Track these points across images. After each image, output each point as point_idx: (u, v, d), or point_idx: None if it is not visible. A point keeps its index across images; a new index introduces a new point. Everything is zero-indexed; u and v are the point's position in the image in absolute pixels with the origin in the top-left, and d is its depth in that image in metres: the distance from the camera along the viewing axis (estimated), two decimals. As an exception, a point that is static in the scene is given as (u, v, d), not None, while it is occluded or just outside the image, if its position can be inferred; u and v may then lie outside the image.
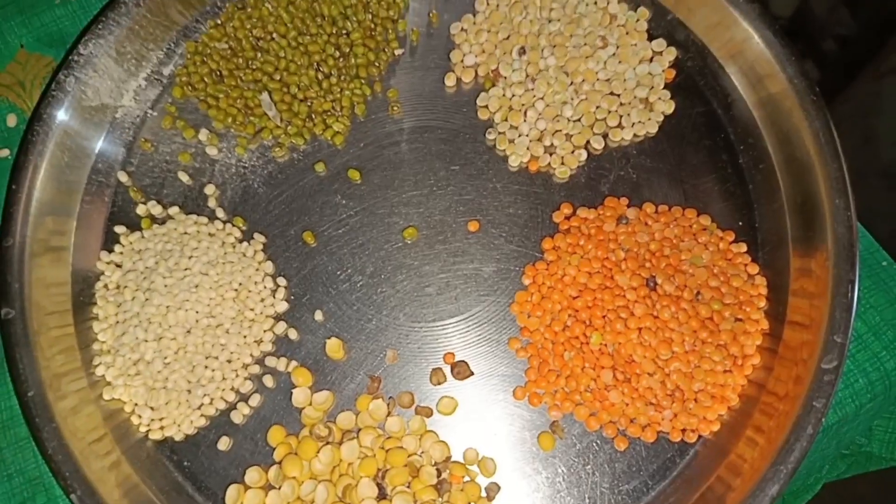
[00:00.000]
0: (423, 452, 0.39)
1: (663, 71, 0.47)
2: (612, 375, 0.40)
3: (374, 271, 0.44)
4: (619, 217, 0.43)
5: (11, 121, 0.49)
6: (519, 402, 0.41)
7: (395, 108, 0.47)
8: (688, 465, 0.40)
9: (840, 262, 0.39)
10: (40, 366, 0.39)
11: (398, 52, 0.49)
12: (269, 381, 0.41)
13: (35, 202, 0.43)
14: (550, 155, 0.45)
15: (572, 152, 0.45)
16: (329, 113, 0.47)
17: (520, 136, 0.46)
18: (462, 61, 0.48)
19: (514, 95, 0.46)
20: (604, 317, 0.41)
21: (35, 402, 0.38)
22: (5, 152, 0.48)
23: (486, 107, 0.47)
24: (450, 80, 0.48)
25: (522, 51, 0.47)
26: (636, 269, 0.41)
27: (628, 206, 0.44)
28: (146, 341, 0.41)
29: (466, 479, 0.39)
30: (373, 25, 0.48)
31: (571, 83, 0.45)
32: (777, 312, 0.41)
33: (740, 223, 0.44)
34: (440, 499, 0.38)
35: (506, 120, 0.46)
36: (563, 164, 0.45)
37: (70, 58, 0.44)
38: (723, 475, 0.39)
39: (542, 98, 0.46)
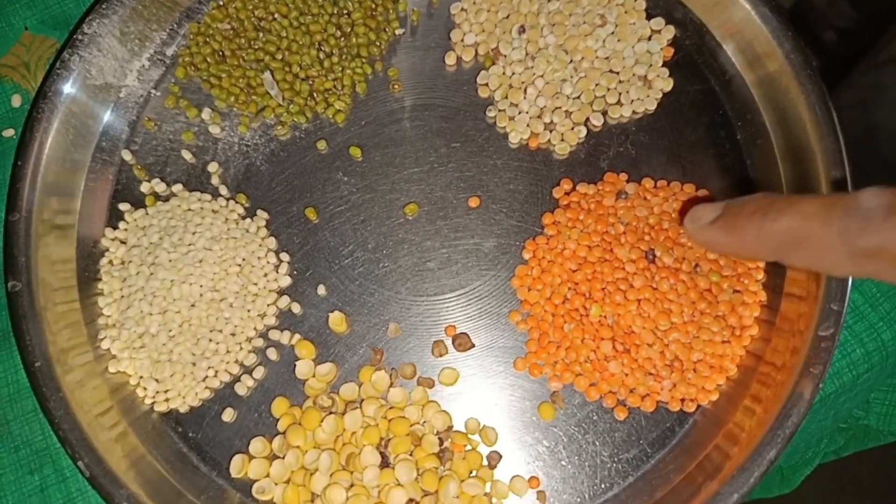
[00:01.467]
0: (425, 422, 0.40)
1: (661, 49, 0.47)
2: (611, 346, 0.41)
3: (376, 246, 0.44)
4: (619, 192, 0.44)
5: (16, 101, 0.49)
6: (519, 373, 0.41)
7: (396, 87, 0.48)
8: (686, 433, 0.40)
9: (836, 233, 0.39)
10: (47, 339, 0.40)
11: (399, 31, 0.49)
12: (272, 353, 0.42)
13: (40, 180, 0.43)
14: (550, 132, 0.46)
15: (572, 129, 0.46)
16: (330, 91, 0.47)
17: (520, 113, 0.46)
18: (462, 40, 0.48)
19: (513, 73, 0.47)
20: (603, 289, 0.41)
21: (42, 372, 0.38)
22: (10, 132, 0.49)
23: (486, 85, 0.47)
24: (450, 59, 0.48)
25: (522, 29, 0.47)
26: (635, 243, 0.42)
27: (627, 181, 0.44)
28: (151, 315, 0.41)
29: (468, 447, 0.39)
30: (373, 6, 0.49)
31: (571, 61, 0.46)
32: (774, 285, 0.42)
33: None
34: (442, 467, 0.38)
35: (506, 97, 0.47)
36: (562, 140, 0.46)
37: (75, 37, 0.45)
38: (720, 444, 0.39)
39: (541, 76, 0.46)
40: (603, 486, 0.39)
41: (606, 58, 0.46)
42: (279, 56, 0.47)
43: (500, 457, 0.39)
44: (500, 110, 0.47)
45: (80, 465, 0.37)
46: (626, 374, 0.40)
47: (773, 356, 0.40)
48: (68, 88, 0.45)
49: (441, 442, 0.39)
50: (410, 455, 0.38)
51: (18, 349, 0.39)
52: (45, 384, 0.38)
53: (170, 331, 0.41)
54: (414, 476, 0.37)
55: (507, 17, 0.48)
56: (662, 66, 0.47)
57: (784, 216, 0.30)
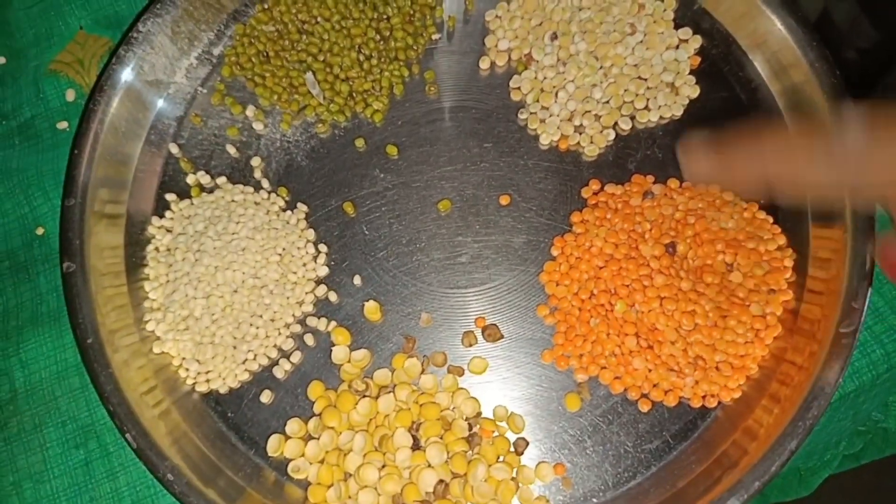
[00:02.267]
0: (454, 408, 0.41)
1: (689, 57, 0.49)
2: (635, 342, 0.42)
3: (410, 240, 0.46)
4: (645, 192, 0.45)
5: (70, 95, 0.52)
6: (546, 364, 0.43)
7: (432, 89, 0.50)
8: (708, 427, 0.41)
9: (858, 236, 0.41)
10: (97, 319, 0.42)
11: (435, 36, 0.51)
12: (309, 339, 0.44)
13: (94, 169, 0.45)
14: (580, 134, 0.48)
15: (601, 132, 0.47)
16: (369, 92, 0.49)
17: (550, 116, 0.48)
18: (496, 46, 0.50)
19: (545, 78, 0.48)
20: (628, 286, 0.43)
21: (93, 348, 0.40)
22: (64, 124, 0.51)
23: (519, 88, 0.49)
24: (484, 64, 0.50)
25: (554, 36, 0.49)
26: (658, 238, 0.43)
27: (654, 183, 0.46)
28: (195, 299, 0.43)
29: (496, 433, 0.41)
30: (412, 11, 0.51)
31: (601, 67, 0.48)
32: (797, 285, 0.43)
33: (761, 201, 0.45)
34: (471, 451, 0.40)
35: (537, 101, 0.48)
36: (592, 142, 0.47)
37: (130, 34, 0.47)
38: (739, 439, 0.40)
39: (572, 81, 0.48)
40: (626, 474, 0.40)
41: (635, 65, 0.48)
42: (321, 58, 0.50)
43: (527, 443, 0.41)
44: (531, 113, 0.48)
45: (127, 437, 0.38)
46: (650, 370, 0.42)
47: (794, 355, 0.41)
48: (123, 83, 0.47)
49: (470, 427, 0.40)
50: (440, 439, 0.40)
51: (71, 326, 0.41)
52: (96, 360, 0.40)
53: (213, 315, 0.43)
54: (444, 458, 0.39)
55: (540, 24, 0.50)
56: (689, 73, 0.49)
57: (773, 134, 0.32)
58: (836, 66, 0.45)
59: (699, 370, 0.41)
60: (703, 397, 0.41)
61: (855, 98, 0.45)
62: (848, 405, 0.44)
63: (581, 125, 0.48)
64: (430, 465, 0.39)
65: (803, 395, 0.38)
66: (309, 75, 0.49)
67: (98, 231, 0.45)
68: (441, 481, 0.38)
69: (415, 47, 0.50)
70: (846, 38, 0.58)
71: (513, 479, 0.40)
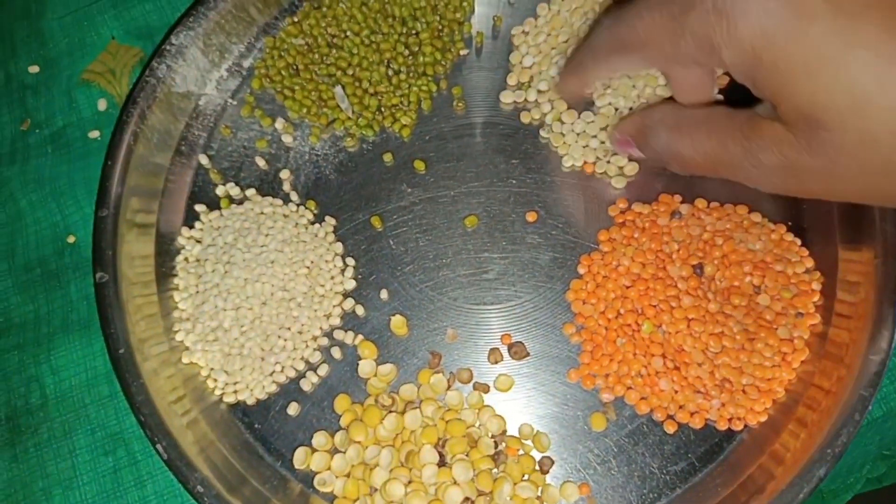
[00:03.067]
0: (480, 425, 0.41)
1: (717, 77, 0.49)
2: (662, 363, 0.42)
3: (437, 255, 0.46)
4: (673, 212, 0.45)
5: (102, 105, 0.53)
6: (572, 382, 0.43)
7: (460, 105, 0.50)
8: (733, 450, 0.41)
9: (888, 261, 0.41)
10: (128, 329, 0.42)
11: (464, 52, 0.51)
12: (336, 352, 0.44)
13: (126, 180, 0.46)
14: (607, 162, 0.47)
15: (630, 159, 0.47)
16: (397, 107, 0.50)
17: (576, 134, 0.48)
18: (521, 62, 0.51)
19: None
20: (655, 306, 0.43)
21: (125, 358, 0.41)
22: (95, 133, 0.52)
23: (530, 110, 0.49)
24: (511, 80, 0.50)
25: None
26: (686, 259, 0.43)
27: (681, 202, 0.46)
28: (225, 310, 0.44)
29: (521, 452, 0.41)
30: (440, 27, 0.51)
31: (634, 86, 0.48)
32: (824, 309, 0.43)
33: (790, 223, 0.45)
34: (496, 469, 0.40)
35: (558, 119, 0.48)
36: (621, 173, 0.47)
37: (163, 47, 0.48)
38: (765, 463, 0.40)
39: (598, 100, 0.48)
40: (651, 496, 0.40)
41: (666, 85, 0.48)
42: (350, 72, 0.50)
43: (552, 462, 0.41)
44: (553, 132, 0.48)
45: (158, 447, 0.39)
46: (676, 391, 0.42)
47: (821, 380, 0.41)
48: (155, 95, 0.47)
49: (496, 444, 0.40)
50: (466, 456, 0.40)
51: (104, 336, 0.42)
52: (128, 370, 0.41)
53: (242, 326, 0.43)
54: (470, 476, 0.39)
55: (567, 41, 0.50)
56: (718, 93, 0.48)
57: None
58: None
59: (726, 392, 0.41)
60: (730, 420, 0.41)
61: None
62: (874, 430, 0.43)
63: (607, 149, 0.47)
64: (456, 483, 0.39)
65: (831, 421, 0.38)
66: (338, 89, 0.49)
67: (129, 241, 0.45)
68: (467, 499, 0.39)
69: (443, 62, 0.51)
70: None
71: (538, 497, 0.40)
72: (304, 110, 0.50)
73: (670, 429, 0.41)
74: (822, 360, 0.41)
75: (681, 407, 0.42)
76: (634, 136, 0.37)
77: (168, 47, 0.48)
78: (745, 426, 0.41)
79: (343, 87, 0.49)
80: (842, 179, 0.24)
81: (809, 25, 0.21)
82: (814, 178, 0.26)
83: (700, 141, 0.32)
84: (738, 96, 0.48)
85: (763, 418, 0.41)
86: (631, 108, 0.48)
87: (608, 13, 0.33)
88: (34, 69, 0.54)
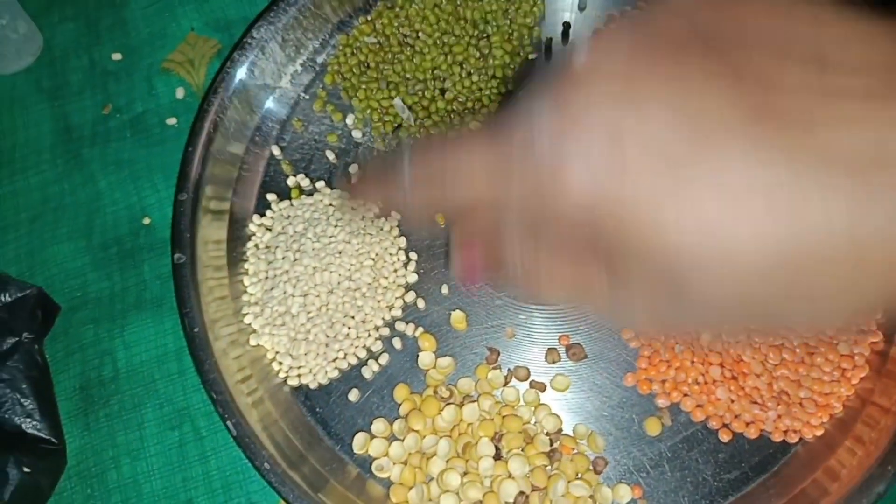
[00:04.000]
0: (536, 422, 0.42)
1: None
2: (720, 372, 0.42)
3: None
4: (737, 224, 0.46)
5: (180, 93, 0.55)
6: (629, 387, 0.43)
7: (526, 108, 0.51)
8: (787, 463, 0.41)
9: (957, 283, 0.40)
10: (202, 309, 0.44)
11: (532, 56, 0.52)
12: (397, 343, 0.45)
13: (205, 167, 0.48)
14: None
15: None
16: (468, 110, 0.51)
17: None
18: (589, 69, 0.51)
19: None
20: (714, 316, 0.43)
21: (199, 337, 0.43)
22: (173, 120, 0.54)
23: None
24: (578, 86, 0.51)
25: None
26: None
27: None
28: (293, 296, 0.45)
29: (576, 451, 0.42)
30: (510, 31, 0.52)
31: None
32: (886, 327, 0.43)
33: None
34: (551, 466, 0.41)
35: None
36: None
37: (244, 40, 0.50)
38: (820, 478, 0.40)
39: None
40: (703, 502, 0.41)
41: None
42: (420, 75, 0.51)
43: (606, 463, 0.41)
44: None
45: (228, 424, 0.40)
46: (733, 401, 0.42)
47: (881, 398, 0.41)
48: (235, 85, 0.49)
49: (551, 442, 0.41)
50: (522, 451, 0.41)
51: (180, 314, 0.43)
52: (201, 348, 0.42)
53: (308, 313, 0.45)
54: (526, 471, 0.40)
55: (636, 49, 0.51)
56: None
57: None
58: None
59: (782, 405, 0.41)
60: (785, 432, 0.42)
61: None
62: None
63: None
64: (511, 476, 0.40)
65: (889, 439, 0.38)
66: (397, 101, 0.50)
67: (204, 225, 0.47)
68: (522, 493, 0.39)
69: (511, 66, 0.52)
70: None
71: (591, 497, 0.40)
72: (369, 112, 0.51)
73: (725, 437, 0.42)
74: (882, 379, 0.41)
75: (736, 416, 0.42)
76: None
77: (249, 40, 0.50)
78: (801, 439, 0.42)
79: (402, 99, 0.51)
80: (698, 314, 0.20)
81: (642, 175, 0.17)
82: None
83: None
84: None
85: (819, 432, 0.41)
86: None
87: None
88: (117, 56, 0.56)
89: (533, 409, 0.43)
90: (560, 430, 0.42)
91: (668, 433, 0.42)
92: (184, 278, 0.44)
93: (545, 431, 0.42)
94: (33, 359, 0.45)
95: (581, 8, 0.53)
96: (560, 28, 0.53)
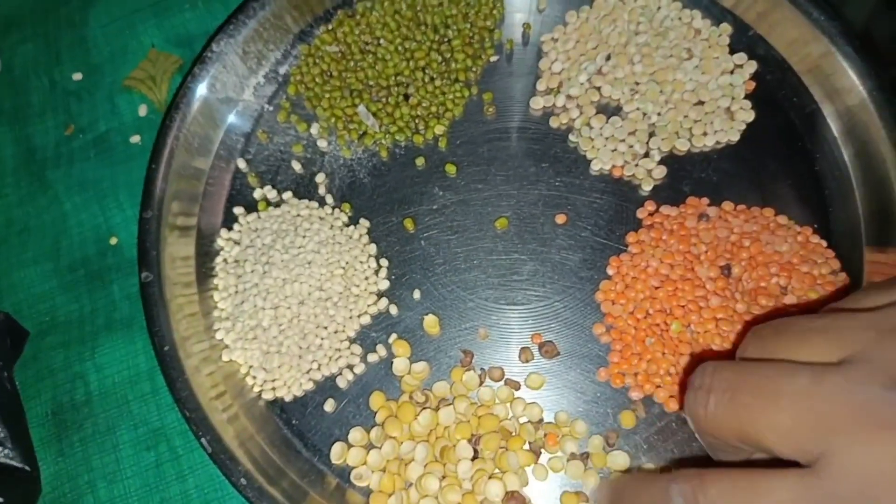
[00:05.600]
0: (513, 417, 0.42)
1: (744, 82, 0.50)
2: (690, 362, 0.43)
3: (468, 257, 0.47)
4: (701, 214, 0.46)
5: (143, 111, 0.54)
6: (602, 381, 0.44)
7: (490, 110, 0.51)
8: (762, 448, 0.42)
9: (916, 263, 0.41)
10: (172, 327, 0.44)
11: (494, 58, 0.53)
12: (371, 351, 0.45)
13: (169, 184, 0.48)
14: (636, 165, 0.48)
15: (658, 165, 0.48)
16: (432, 115, 0.51)
17: (602, 139, 0.49)
18: (550, 68, 0.52)
19: (591, 102, 0.50)
20: (683, 306, 0.44)
21: (170, 356, 0.42)
22: (136, 138, 0.53)
23: (568, 111, 0.50)
24: (541, 86, 0.51)
25: (608, 57, 0.50)
26: (714, 260, 0.44)
27: (709, 205, 0.47)
28: (264, 309, 0.45)
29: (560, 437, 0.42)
30: (471, 34, 0.53)
31: (662, 92, 0.49)
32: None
33: (816, 225, 0.46)
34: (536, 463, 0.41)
35: (587, 124, 0.49)
36: (649, 176, 0.48)
37: (204, 54, 0.50)
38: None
39: (623, 105, 0.49)
40: (681, 492, 0.41)
41: (693, 90, 0.49)
42: (383, 81, 0.51)
43: (618, 435, 0.42)
44: (582, 136, 0.49)
45: (202, 441, 0.40)
46: (705, 388, 0.42)
47: (849, 379, 0.42)
48: (197, 100, 0.49)
49: (535, 430, 0.41)
50: (505, 449, 0.41)
51: (149, 333, 0.43)
52: (172, 367, 0.42)
53: (280, 325, 0.45)
54: (516, 466, 0.40)
55: (595, 47, 0.51)
56: (745, 98, 0.49)
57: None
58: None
59: (753, 391, 0.42)
60: (758, 418, 0.42)
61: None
62: None
63: (635, 152, 0.48)
64: (492, 476, 0.40)
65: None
66: (361, 107, 0.50)
67: (171, 242, 0.47)
68: (510, 492, 0.39)
69: (474, 69, 0.52)
70: (886, 55, 0.59)
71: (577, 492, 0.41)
72: (334, 121, 0.51)
73: (699, 427, 0.42)
74: (849, 361, 0.42)
75: (709, 405, 0.42)
76: None
77: (209, 54, 0.50)
78: (774, 425, 0.42)
79: (366, 105, 0.51)
80: None
81: None
82: None
83: None
84: (764, 102, 0.49)
85: (791, 417, 0.42)
86: (659, 114, 0.49)
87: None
88: (78, 76, 0.56)
89: (508, 405, 0.43)
90: (541, 420, 0.42)
91: (642, 425, 0.42)
92: (152, 297, 0.44)
93: (528, 420, 0.42)
94: (3, 386, 0.45)
95: (540, 10, 0.54)
96: (520, 30, 0.53)
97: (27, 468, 0.43)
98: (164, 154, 0.47)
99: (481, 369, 0.44)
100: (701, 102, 0.49)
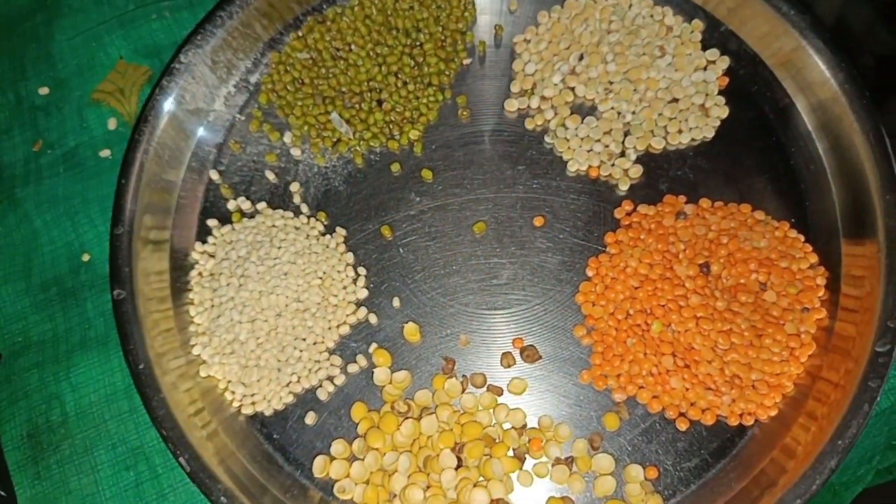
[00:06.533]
0: (496, 424, 0.42)
1: (717, 78, 0.50)
2: (672, 361, 0.43)
3: (447, 262, 0.47)
4: (678, 213, 0.46)
5: (112, 124, 0.53)
6: (585, 384, 0.43)
7: (465, 113, 0.51)
8: (745, 445, 0.42)
9: (892, 254, 0.41)
10: (147, 344, 0.43)
11: (466, 61, 0.52)
12: (351, 361, 0.45)
13: (140, 197, 0.47)
14: (612, 165, 0.48)
15: (633, 165, 0.48)
16: (407, 119, 0.50)
17: (577, 139, 0.49)
18: (523, 70, 0.51)
19: (566, 102, 0.49)
20: (663, 306, 0.44)
21: (145, 374, 0.42)
22: (106, 152, 0.53)
23: (543, 112, 0.50)
24: (515, 87, 0.51)
25: (581, 57, 0.50)
26: (693, 258, 0.44)
27: (686, 203, 0.47)
28: (241, 323, 0.44)
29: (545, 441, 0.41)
30: (443, 37, 0.52)
31: (635, 90, 0.48)
32: (830, 303, 0.43)
33: (793, 220, 0.46)
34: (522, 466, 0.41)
35: (562, 125, 0.49)
36: (626, 175, 0.48)
37: (172, 65, 0.49)
38: (777, 457, 0.41)
39: (597, 104, 0.49)
40: (666, 492, 0.41)
41: (667, 87, 0.49)
42: (356, 87, 0.51)
43: (602, 438, 0.42)
44: (557, 137, 0.49)
45: (181, 460, 0.40)
46: (687, 389, 0.42)
47: (829, 373, 0.42)
48: (165, 113, 0.48)
49: (519, 436, 0.41)
50: (489, 456, 0.41)
51: (123, 352, 0.42)
52: (148, 385, 0.41)
53: (257, 338, 0.44)
54: (500, 473, 0.40)
55: (568, 47, 0.51)
56: (718, 94, 0.49)
57: None
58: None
59: (736, 388, 0.42)
60: (741, 415, 0.42)
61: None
62: (883, 421, 0.44)
63: (611, 152, 0.48)
64: (476, 485, 0.40)
65: (841, 414, 0.39)
66: (334, 115, 0.50)
67: (144, 257, 0.46)
68: (495, 500, 0.39)
69: (447, 72, 0.52)
70: (863, 44, 0.59)
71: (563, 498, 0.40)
72: (307, 129, 0.51)
73: (682, 426, 0.42)
74: (829, 354, 0.42)
75: (692, 404, 0.42)
76: None
77: (177, 65, 0.49)
78: (756, 421, 0.42)
79: (339, 113, 0.50)
80: None
81: None
82: None
83: None
84: (738, 97, 0.49)
85: (773, 413, 0.42)
86: (634, 113, 0.49)
87: None
88: (44, 90, 0.55)
89: (491, 411, 0.42)
90: (525, 426, 0.42)
91: (626, 427, 0.42)
92: (125, 314, 0.43)
93: (512, 426, 0.42)
94: (-25, 410, 0.44)
95: (511, 11, 0.53)
96: (493, 31, 0.53)
97: (2, 493, 0.42)
98: (133, 168, 0.47)
99: (463, 376, 0.44)
100: (675, 100, 0.49)
